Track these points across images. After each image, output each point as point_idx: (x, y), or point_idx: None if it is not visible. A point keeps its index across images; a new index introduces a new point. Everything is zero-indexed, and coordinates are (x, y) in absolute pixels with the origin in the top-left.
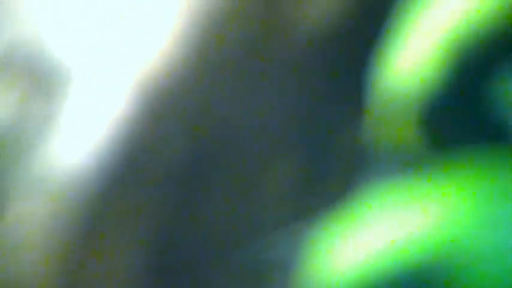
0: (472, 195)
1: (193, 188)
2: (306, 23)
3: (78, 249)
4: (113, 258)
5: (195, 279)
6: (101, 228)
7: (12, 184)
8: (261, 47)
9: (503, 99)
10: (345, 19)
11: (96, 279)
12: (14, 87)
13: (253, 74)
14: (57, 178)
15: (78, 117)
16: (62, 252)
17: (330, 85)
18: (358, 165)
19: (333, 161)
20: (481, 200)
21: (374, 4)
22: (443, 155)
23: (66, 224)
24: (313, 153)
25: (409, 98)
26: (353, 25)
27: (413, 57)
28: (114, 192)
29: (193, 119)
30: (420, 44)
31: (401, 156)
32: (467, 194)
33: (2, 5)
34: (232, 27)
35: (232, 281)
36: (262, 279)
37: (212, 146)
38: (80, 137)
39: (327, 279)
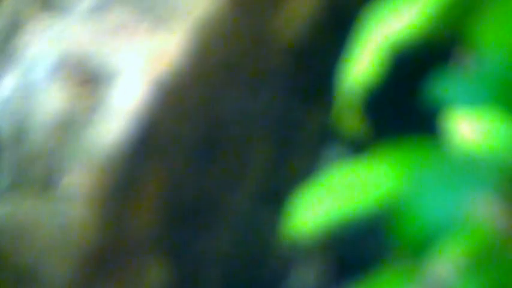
0: (405, 172)
1: (203, 161)
2: (285, 33)
3: (117, 209)
4: (142, 216)
5: (199, 224)
6: (134, 192)
7: (64, 159)
8: (247, 53)
9: (432, 97)
10: (317, 29)
11: (131, 233)
12: (67, 85)
13: (242, 77)
14: (101, 153)
15: (114, 106)
16: (104, 211)
17: (303, 84)
18: (321, 148)
19: (301, 144)
20: (412, 176)
21: (342, 16)
22: (383, 141)
23: (107, 189)
24: (287, 137)
25: (358, 95)
26: (324, 34)
27: (366, 60)
28: (144, 165)
29: (196, 111)
30: (371, 51)
31: (353, 141)
32: (402, 171)
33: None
34: (224, 38)
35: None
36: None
37: (212, 130)
38: (117, 122)
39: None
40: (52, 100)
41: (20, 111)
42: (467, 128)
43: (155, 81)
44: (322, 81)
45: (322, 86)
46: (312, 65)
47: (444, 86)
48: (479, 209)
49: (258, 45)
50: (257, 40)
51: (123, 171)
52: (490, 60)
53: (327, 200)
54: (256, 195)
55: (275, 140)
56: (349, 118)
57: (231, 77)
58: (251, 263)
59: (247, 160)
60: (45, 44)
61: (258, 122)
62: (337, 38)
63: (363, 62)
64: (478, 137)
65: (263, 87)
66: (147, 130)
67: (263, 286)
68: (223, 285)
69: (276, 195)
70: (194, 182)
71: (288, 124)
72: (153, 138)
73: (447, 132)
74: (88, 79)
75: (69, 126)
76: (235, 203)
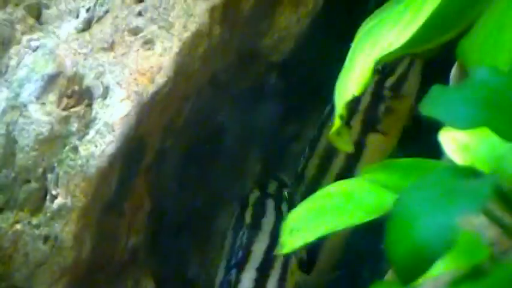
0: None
1: (188, 176)
2: (274, 51)
3: (107, 226)
4: (131, 231)
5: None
6: (123, 207)
7: (56, 176)
8: (237, 70)
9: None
10: (300, 46)
11: (121, 249)
12: (58, 101)
13: (232, 92)
14: (92, 167)
15: (103, 122)
16: (95, 228)
17: (292, 98)
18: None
19: (288, 153)
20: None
21: (328, 35)
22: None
23: (98, 205)
24: (277, 150)
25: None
26: (311, 49)
27: (358, 77)
28: (130, 180)
29: (182, 126)
30: (363, 68)
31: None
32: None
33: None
34: (212, 57)
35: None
36: None
37: (199, 145)
38: (106, 137)
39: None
40: (43, 119)
41: (10, 132)
42: (454, 145)
43: (141, 98)
44: (309, 95)
45: (309, 101)
46: (299, 80)
47: (439, 102)
48: (467, 225)
49: (248, 62)
50: (247, 58)
51: (113, 188)
52: (479, 78)
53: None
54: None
55: (265, 153)
56: (342, 137)
57: (219, 93)
58: None
59: (236, 176)
60: (37, 61)
61: (247, 136)
62: (323, 56)
63: (355, 78)
64: (467, 157)
65: (253, 102)
66: (134, 146)
67: None
68: None
69: None
70: (179, 197)
71: (278, 138)
72: (140, 154)
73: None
74: (79, 97)
75: (60, 145)
76: (220, 220)
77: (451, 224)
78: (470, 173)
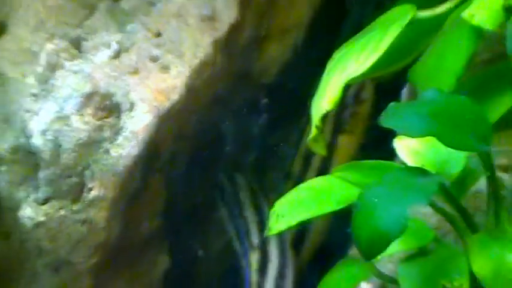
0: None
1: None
2: (265, 73)
3: (131, 211)
4: (150, 216)
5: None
6: (144, 198)
7: (91, 174)
8: (235, 89)
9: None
10: (285, 70)
11: (142, 230)
12: (93, 115)
13: (231, 107)
14: (120, 167)
15: (129, 131)
16: (121, 214)
17: (278, 112)
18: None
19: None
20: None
21: (308, 60)
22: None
23: (124, 196)
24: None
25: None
26: (294, 73)
27: (329, 95)
28: (150, 176)
29: (191, 134)
30: (333, 88)
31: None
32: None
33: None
34: (216, 79)
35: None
36: None
37: (203, 149)
38: (130, 143)
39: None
40: (82, 127)
41: (56, 137)
42: (406, 150)
43: (159, 112)
44: (290, 109)
45: (291, 113)
46: (283, 97)
47: (395, 116)
48: (417, 213)
49: (243, 83)
50: (243, 79)
51: (137, 183)
52: (427, 97)
53: (299, 206)
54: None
55: (257, 154)
56: (319, 143)
57: (220, 108)
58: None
59: (234, 172)
60: (77, 82)
61: (241, 142)
62: (301, 78)
63: (328, 96)
64: (416, 160)
65: (247, 114)
66: (153, 149)
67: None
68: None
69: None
70: (188, 190)
71: (267, 142)
72: (158, 156)
73: (397, 153)
74: (110, 110)
75: (95, 148)
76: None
77: (404, 213)
78: (419, 172)
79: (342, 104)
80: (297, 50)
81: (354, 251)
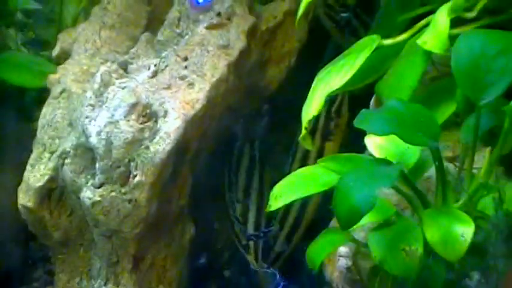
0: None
1: (214, 164)
2: (268, 88)
3: (166, 193)
4: (181, 197)
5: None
6: (176, 183)
7: (135, 165)
8: (244, 101)
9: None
10: (282, 86)
11: (175, 208)
12: (137, 120)
13: (240, 115)
14: (158, 160)
15: (164, 132)
16: (159, 195)
17: (278, 118)
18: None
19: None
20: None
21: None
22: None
23: (161, 182)
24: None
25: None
26: (289, 88)
27: (315, 104)
28: (181, 167)
29: (210, 135)
30: (318, 98)
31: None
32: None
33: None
34: (229, 92)
35: None
36: None
37: (220, 146)
38: (166, 142)
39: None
40: (128, 129)
41: (108, 137)
42: (374, 145)
43: (186, 118)
44: (287, 115)
45: (287, 118)
46: (281, 107)
47: (365, 119)
48: (381, 194)
49: (251, 95)
50: (250, 92)
51: (170, 171)
52: (390, 105)
53: (293, 189)
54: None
55: (258, 152)
56: (307, 140)
57: (233, 115)
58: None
59: (240, 164)
60: (124, 95)
61: (248, 142)
62: (295, 92)
63: (314, 104)
64: (381, 152)
65: (253, 120)
66: (182, 146)
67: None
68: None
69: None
70: (209, 177)
71: (267, 142)
72: (185, 151)
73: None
74: (149, 117)
75: (138, 145)
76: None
77: (373, 193)
78: (384, 162)
79: (327, 118)
80: (291, 70)
81: (334, 223)
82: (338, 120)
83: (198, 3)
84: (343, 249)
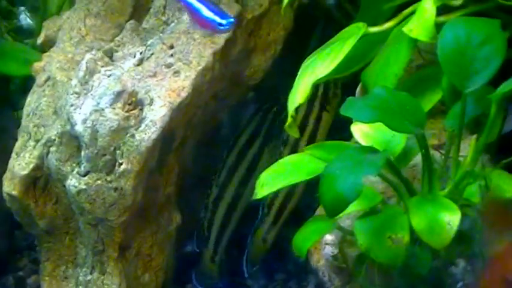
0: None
1: (200, 152)
2: (252, 77)
3: (153, 181)
4: (167, 185)
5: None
6: (162, 171)
7: (121, 153)
8: (230, 90)
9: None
10: (272, 75)
11: (162, 195)
12: (122, 108)
13: (226, 103)
14: (143, 148)
15: (150, 120)
16: (145, 183)
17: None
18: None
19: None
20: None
21: (287, 66)
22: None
23: (147, 170)
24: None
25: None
26: (273, 76)
27: (301, 92)
28: (167, 154)
29: (196, 123)
30: (304, 86)
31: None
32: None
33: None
34: (215, 81)
35: None
36: None
37: (206, 134)
38: (151, 129)
39: None
40: (113, 117)
41: (94, 125)
42: (360, 133)
43: (172, 106)
44: (271, 102)
45: (272, 105)
46: (266, 94)
47: (351, 107)
48: (367, 181)
49: (236, 84)
50: (236, 82)
51: (156, 159)
52: (376, 93)
53: (279, 177)
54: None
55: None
56: (293, 128)
57: (219, 104)
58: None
59: (227, 151)
60: (110, 83)
61: (233, 129)
62: (280, 80)
63: (300, 92)
64: (367, 140)
65: (239, 108)
66: (168, 134)
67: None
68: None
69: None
70: (195, 164)
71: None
72: (171, 139)
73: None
74: (135, 105)
75: (124, 133)
76: (219, 178)
77: (359, 181)
78: (370, 150)
79: (321, 107)
80: (276, 59)
81: (320, 211)
82: (334, 99)
83: (219, 26)
84: (329, 237)
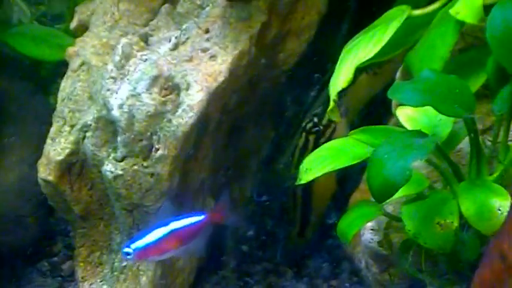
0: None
1: (233, 137)
2: (285, 62)
3: (188, 165)
4: (201, 169)
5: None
6: (197, 155)
7: (157, 138)
8: (263, 75)
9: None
10: (303, 60)
11: (196, 179)
12: (159, 93)
13: (259, 88)
14: (179, 133)
15: (186, 105)
16: (181, 168)
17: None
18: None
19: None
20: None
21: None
22: None
23: (182, 154)
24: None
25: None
26: (308, 62)
27: (344, 76)
28: (202, 139)
29: (231, 108)
30: (347, 70)
31: None
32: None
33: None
34: (249, 66)
35: None
36: None
37: (239, 119)
38: (188, 114)
39: None
40: (150, 102)
41: (130, 110)
42: (405, 117)
43: (209, 90)
44: (306, 87)
45: (306, 90)
46: (300, 79)
47: (399, 90)
48: (415, 166)
49: (269, 70)
50: (269, 67)
51: (191, 143)
52: (424, 76)
53: (323, 161)
54: (262, 157)
55: (273, 122)
56: (335, 112)
57: (253, 88)
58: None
59: (258, 136)
60: (146, 67)
61: (266, 113)
62: (314, 64)
63: (343, 77)
64: (414, 125)
65: (272, 94)
66: (204, 119)
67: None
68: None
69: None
70: (227, 149)
71: (287, 114)
72: (207, 124)
73: (398, 119)
74: (171, 89)
75: (160, 118)
76: (251, 162)
77: (408, 166)
78: (418, 134)
79: None
80: (310, 43)
81: (355, 197)
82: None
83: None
84: (369, 224)
